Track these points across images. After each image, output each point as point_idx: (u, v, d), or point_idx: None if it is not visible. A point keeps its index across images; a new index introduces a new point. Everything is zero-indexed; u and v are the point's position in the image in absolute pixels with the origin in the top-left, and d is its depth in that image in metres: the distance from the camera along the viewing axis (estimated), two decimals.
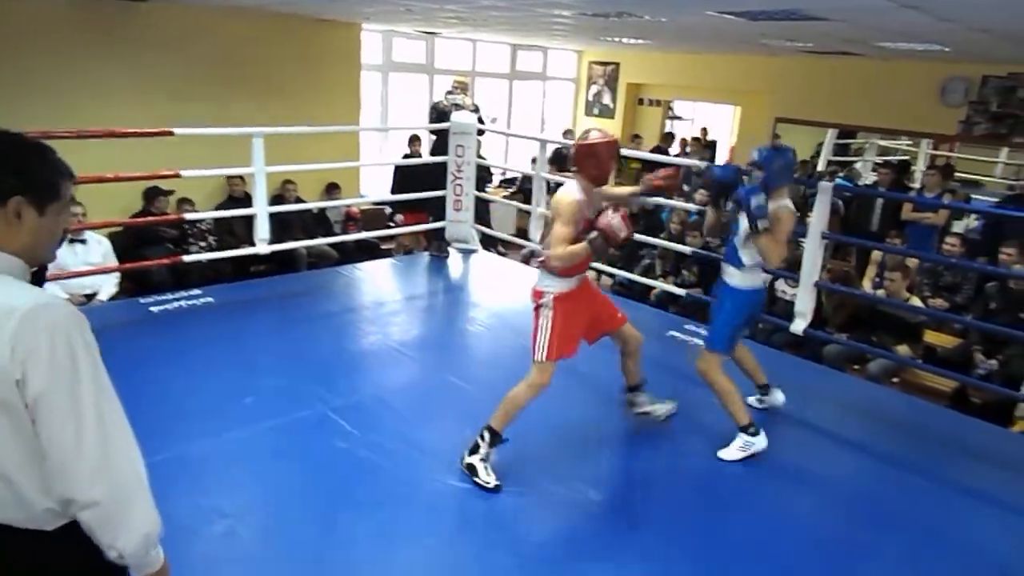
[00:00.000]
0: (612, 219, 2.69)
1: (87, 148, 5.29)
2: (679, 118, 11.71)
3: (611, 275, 6.18)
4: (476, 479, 2.82)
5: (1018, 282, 4.89)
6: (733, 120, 10.91)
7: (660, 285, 5.63)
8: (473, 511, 2.74)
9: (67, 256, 4.78)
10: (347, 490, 2.78)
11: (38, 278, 1.30)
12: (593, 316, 3.05)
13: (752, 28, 5.33)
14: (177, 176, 4.46)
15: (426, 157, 6.43)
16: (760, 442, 3.15)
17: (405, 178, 7.08)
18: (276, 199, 6.67)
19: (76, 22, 5.84)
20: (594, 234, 2.71)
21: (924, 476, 3.21)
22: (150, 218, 5.62)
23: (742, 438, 3.15)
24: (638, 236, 5.58)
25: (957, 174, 7.87)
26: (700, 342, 4.44)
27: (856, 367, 5.03)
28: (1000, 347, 4.70)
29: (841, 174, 9.25)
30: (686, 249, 5.29)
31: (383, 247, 7.40)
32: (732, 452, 3.15)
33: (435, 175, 5.89)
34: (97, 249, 5.00)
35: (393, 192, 7.36)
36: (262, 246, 4.81)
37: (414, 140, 7.60)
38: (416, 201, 6.10)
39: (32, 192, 1.23)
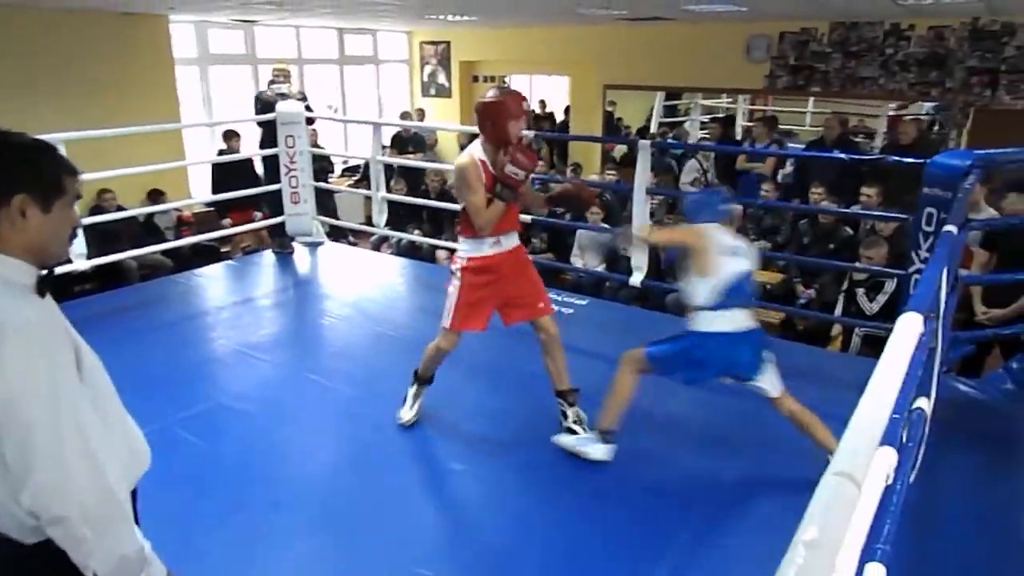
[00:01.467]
0: (506, 165, 2.73)
1: None
2: None
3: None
4: (400, 411, 3.15)
5: (825, 217, 5.41)
6: (568, 91, 11.22)
7: None
8: (340, 501, 2.70)
9: None
10: (198, 503, 2.65)
11: (45, 281, 1.26)
12: (510, 296, 2.96)
13: None
14: None
15: (251, 151, 6.14)
16: (598, 453, 2.82)
17: (225, 176, 6.69)
18: (94, 211, 6.16)
19: None
20: (498, 187, 2.77)
21: (756, 400, 3.49)
22: None
23: (588, 437, 2.90)
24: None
25: (780, 126, 8.56)
26: (564, 310, 4.60)
27: None
28: (815, 277, 5.20)
29: (671, 135, 9.81)
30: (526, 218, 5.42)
31: (223, 250, 7.03)
32: (565, 440, 2.92)
33: (266, 169, 5.65)
34: None
35: (214, 192, 6.88)
36: (80, 261, 4.44)
37: (230, 136, 7.13)
38: (245, 198, 5.82)
39: (36, 189, 1.21)
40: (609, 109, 9.44)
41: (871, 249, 4.37)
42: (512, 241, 2.96)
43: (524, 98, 2.88)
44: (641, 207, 4.23)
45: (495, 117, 2.77)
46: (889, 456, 1.12)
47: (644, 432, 3.09)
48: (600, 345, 3.84)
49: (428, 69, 10.67)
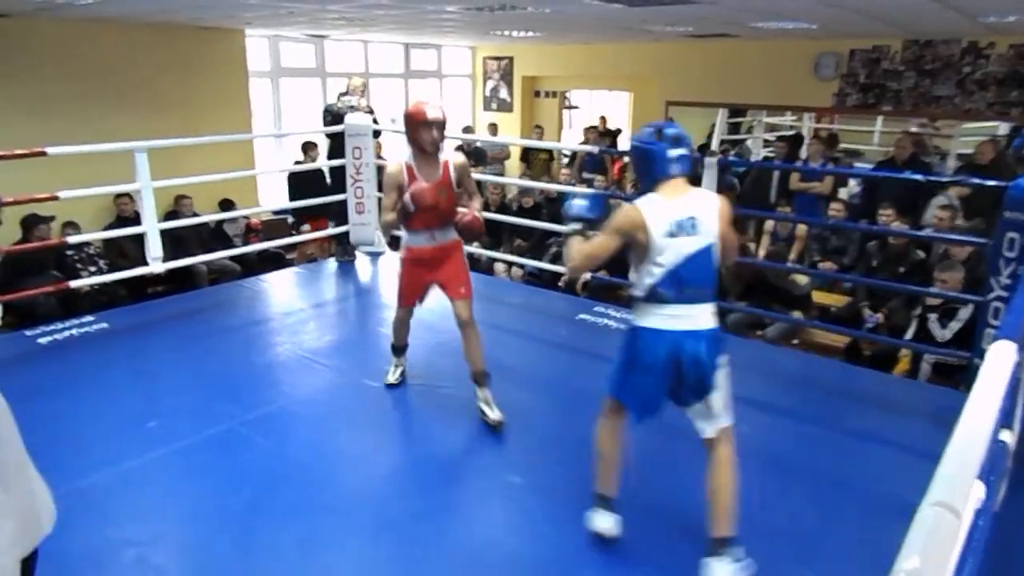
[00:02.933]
0: (416, 188, 3.08)
1: None
2: (575, 108, 11.92)
3: (520, 265, 6.26)
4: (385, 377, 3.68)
5: (895, 240, 5.25)
6: (628, 107, 11.19)
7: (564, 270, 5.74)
8: (392, 512, 2.73)
9: None
10: (262, 504, 2.72)
11: None
12: (440, 280, 3.35)
13: (632, 15, 5.50)
14: (55, 199, 4.22)
15: (323, 162, 6.32)
16: (597, 524, 2.44)
17: (301, 186, 6.92)
18: (170, 215, 6.42)
19: None
20: (405, 198, 3.11)
21: (820, 424, 3.42)
22: (27, 245, 5.28)
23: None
24: (544, 225, 5.71)
25: (840, 145, 8.37)
26: (609, 323, 4.60)
27: (759, 333, 5.28)
28: (884, 301, 5.04)
29: (733, 152, 9.68)
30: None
31: (288, 257, 7.23)
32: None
33: (334, 180, 5.79)
34: None
35: (291, 201, 7.18)
36: (155, 264, 4.62)
37: (309, 147, 7.44)
38: (317, 207, 5.98)
39: None
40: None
41: (946, 273, 4.22)
42: (447, 236, 3.29)
43: (439, 107, 3.15)
44: None
45: (408, 124, 3.13)
46: (979, 490, 1.09)
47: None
48: None
49: (490, 84, 10.80)
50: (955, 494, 0.82)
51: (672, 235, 2.16)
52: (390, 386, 3.66)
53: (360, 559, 2.48)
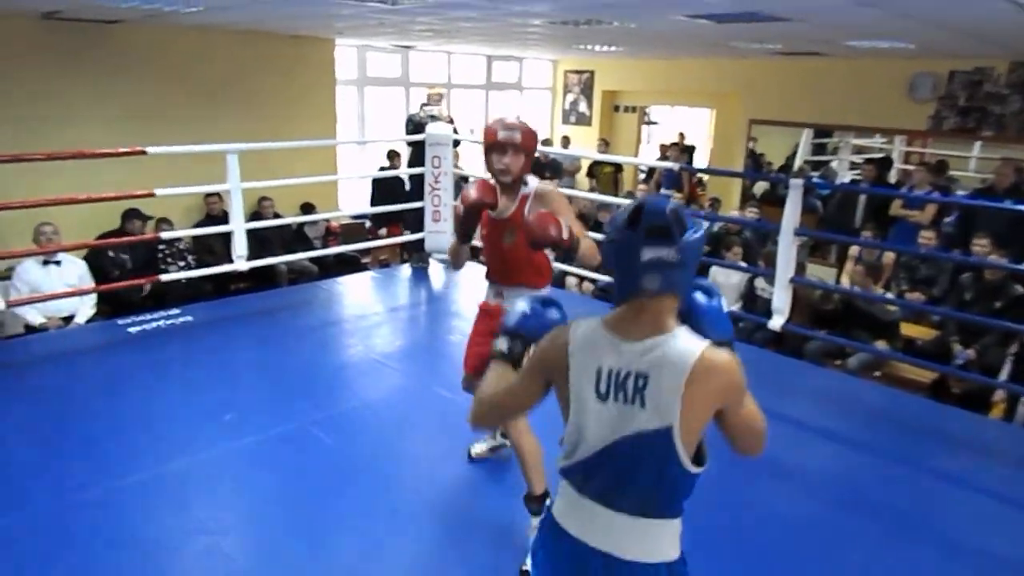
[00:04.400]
0: (467, 189, 2.45)
1: (61, 172, 5.31)
2: (654, 123, 11.80)
3: (592, 280, 6.22)
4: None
5: (992, 273, 4.96)
6: (709, 123, 11.01)
7: None
8: (458, 516, 2.73)
9: (42, 278, 4.74)
10: (331, 501, 2.77)
11: None
12: None
13: (720, 31, 5.40)
14: (151, 195, 4.44)
15: (403, 170, 6.45)
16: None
17: (383, 192, 7.10)
18: (253, 216, 6.65)
19: (46, 44, 5.82)
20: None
21: (904, 463, 3.24)
22: (125, 238, 5.58)
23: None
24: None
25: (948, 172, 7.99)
26: None
27: (837, 363, 5.08)
28: (976, 337, 4.77)
29: (816, 174, 9.37)
30: None
31: (363, 261, 7.39)
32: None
33: (413, 187, 5.90)
34: (72, 271, 4.95)
35: (373, 206, 7.38)
36: (240, 262, 4.79)
37: (393, 156, 7.62)
38: (395, 214, 6.10)
39: None
40: (750, 146, 9.17)
41: None
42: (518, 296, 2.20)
43: (519, 127, 2.47)
44: (787, 248, 4.05)
45: (483, 147, 2.54)
46: None
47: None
48: None
49: (570, 97, 10.81)
50: None
51: (601, 397, 1.32)
52: (472, 459, 3.10)
53: (421, 564, 2.48)
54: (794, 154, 9.62)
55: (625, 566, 1.34)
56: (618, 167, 10.09)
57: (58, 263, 4.89)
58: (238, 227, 4.75)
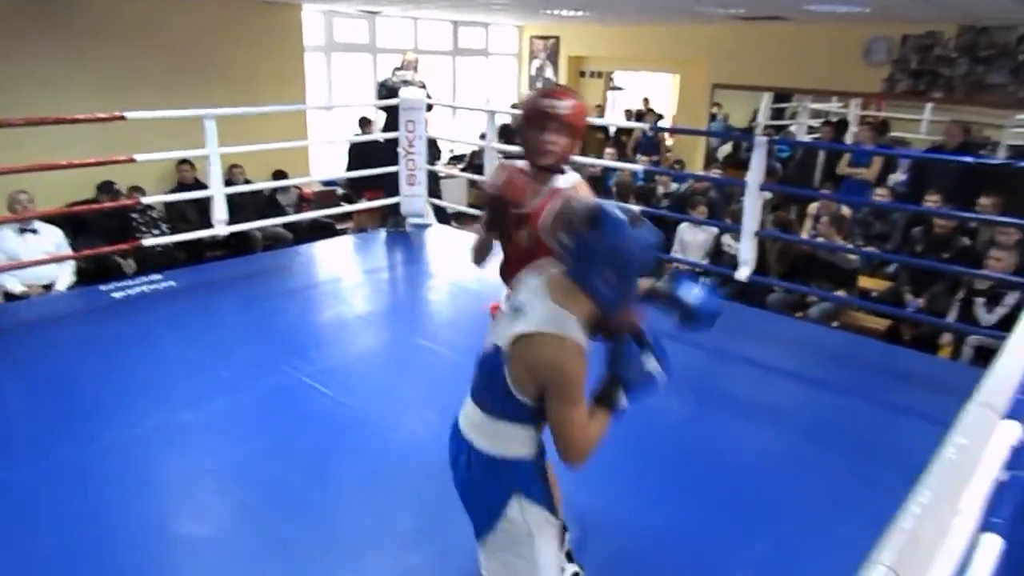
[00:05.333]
0: (504, 171, 2.12)
1: (33, 140, 5.27)
2: (619, 88, 11.94)
3: None
4: None
5: (941, 226, 5.26)
6: (673, 89, 11.19)
7: None
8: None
9: (19, 246, 4.74)
10: (330, 443, 2.92)
11: None
12: None
13: None
14: (131, 161, 4.45)
15: (378, 134, 6.50)
16: None
17: (360, 157, 7.11)
18: (225, 184, 6.65)
19: (17, 13, 5.73)
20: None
21: (860, 398, 3.52)
22: (107, 204, 5.56)
23: None
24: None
25: (890, 133, 8.32)
26: None
27: (799, 314, 5.35)
28: (926, 286, 5.07)
29: (776, 137, 9.65)
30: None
31: (340, 227, 7.45)
32: None
33: (388, 153, 5.97)
34: (50, 239, 4.95)
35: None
36: (220, 227, 4.85)
37: (365, 123, 7.63)
38: (371, 179, 6.17)
39: None
40: (713, 111, 9.39)
41: (1002, 252, 4.26)
42: None
43: (573, 101, 2.01)
44: (753, 203, 4.27)
45: (522, 121, 2.07)
46: (1015, 431, 1.20)
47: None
48: (695, 335, 3.91)
49: (536, 63, 10.87)
50: (996, 399, 0.95)
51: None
52: None
53: (418, 495, 2.64)
54: (755, 118, 9.88)
55: (478, 455, 1.66)
56: (606, 132, 10.12)
57: (35, 231, 4.89)
58: (218, 191, 4.80)
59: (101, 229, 5.79)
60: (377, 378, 3.55)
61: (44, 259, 4.64)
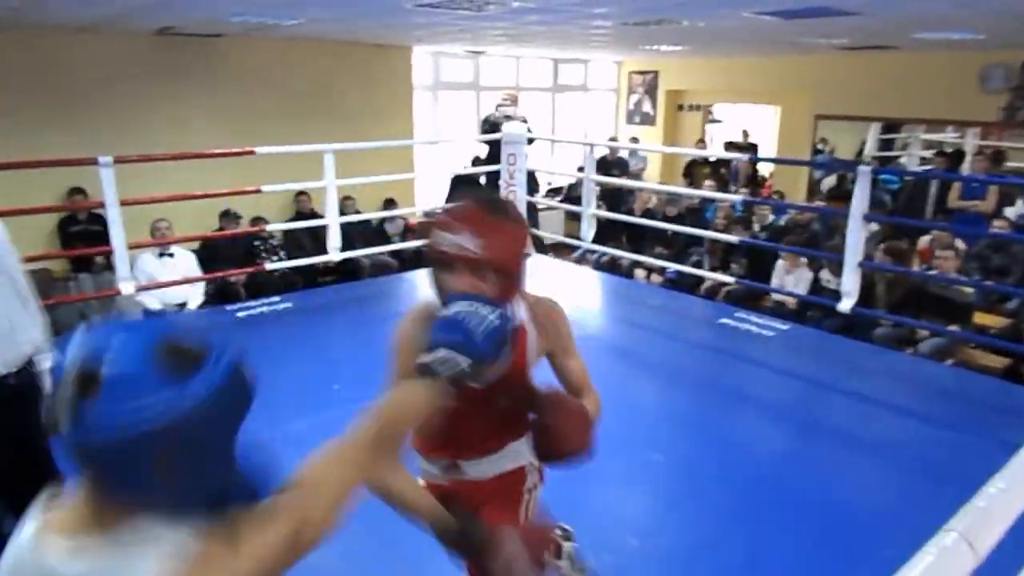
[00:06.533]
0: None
1: (167, 172, 5.82)
2: (718, 121, 11.88)
3: (660, 271, 6.42)
4: None
5: None
6: (774, 120, 11.04)
7: (710, 275, 5.82)
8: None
9: (158, 268, 5.23)
10: None
11: None
12: None
13: (787, 27, 5.55)
14: (258, 191, 4.87)
15: (479, 168, 6.78)
16: None
17: (460, 188, 7.42)
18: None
19: (157, 59, 6.38)
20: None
21: (976, 435, 3.37)
22: (239, 230, 6.07)
23: None
24: (685, 229, 5.86)
25: (1007, 164, 7.92)
26: (751, 328, 4.69)
27: (909, 349, 5.15)
28: None
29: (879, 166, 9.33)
30: (734, 239, 5.51)
31: None
32: None
33: (488, 184, 6.22)
34: (184, 263, 5.44)
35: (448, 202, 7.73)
36: (334, 253, 5.20)
37: (477, 162, 7.93)
38: None
39: None
40: (819, 145, 9.19)
41: None
42: (488, 468, 1.60)
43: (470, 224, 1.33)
44: (856, 232, 4.20)
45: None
46: None
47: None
48: (797, 368, 3.89)
49: (634, 98, 11.00)
50: None
51: None
52: None
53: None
54: (862, 150, 9.60)
55: None
56: (715, 166, 10.01)
57: (171, 255, 5.39)
58: (333, 220, 5.15)
59: (227, 256, 6.29)
60: None
61: (179, 280, 5.11)
